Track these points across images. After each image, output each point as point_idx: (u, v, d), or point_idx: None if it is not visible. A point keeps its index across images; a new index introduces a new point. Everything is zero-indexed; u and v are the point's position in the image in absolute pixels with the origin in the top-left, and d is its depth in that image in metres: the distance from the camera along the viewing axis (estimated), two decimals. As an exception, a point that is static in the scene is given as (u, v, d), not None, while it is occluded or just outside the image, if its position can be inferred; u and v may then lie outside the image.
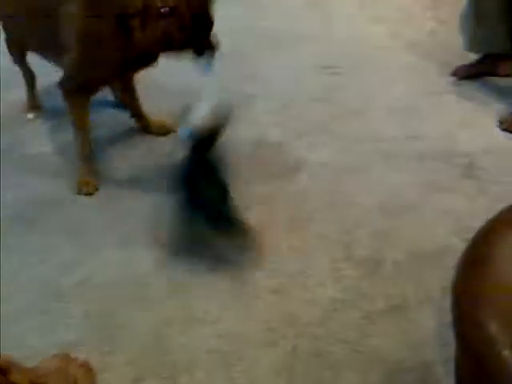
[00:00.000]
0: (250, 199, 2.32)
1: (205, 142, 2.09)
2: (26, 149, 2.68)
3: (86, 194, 2.40)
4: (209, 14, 2.19)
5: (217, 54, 2.29)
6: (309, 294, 1.96)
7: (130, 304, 1.92)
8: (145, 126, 2.72)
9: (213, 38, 2.25)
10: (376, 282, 1.99)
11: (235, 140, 2.46)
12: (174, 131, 2.64)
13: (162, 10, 2.11)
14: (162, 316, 1.89)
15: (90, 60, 2.23)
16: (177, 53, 2.24)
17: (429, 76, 3.11)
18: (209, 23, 2.21)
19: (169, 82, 2.95)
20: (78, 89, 2.32)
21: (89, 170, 2.45)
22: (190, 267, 2.04)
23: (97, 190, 2.41)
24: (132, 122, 2.75)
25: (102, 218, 2.28)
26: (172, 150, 2.53)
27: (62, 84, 2.33)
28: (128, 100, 2.69)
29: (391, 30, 3.52)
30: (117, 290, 1.97)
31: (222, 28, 3.37)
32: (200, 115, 2.09)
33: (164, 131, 2.70)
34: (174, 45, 2.18)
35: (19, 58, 2.84)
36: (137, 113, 2.71)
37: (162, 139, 2.68)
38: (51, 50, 2.39)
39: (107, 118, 2.84)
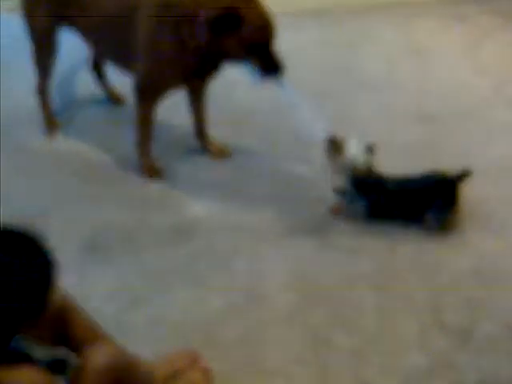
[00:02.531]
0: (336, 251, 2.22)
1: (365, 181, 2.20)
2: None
3: (158, 178, 2.56)
4: (245, 36, 2.17)
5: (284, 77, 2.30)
6: (391, 360, 1.82)
7: (198, 346, 1.82)
8: (204, 147, 2.74)
9: (278, 60, 2.27)
10: (467, 353, 1.84)
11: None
12: (230, 156, 2.72)
13: (199, 19, 2.17)
14: (231, 362, 1.79)
15: (157, 64, 2.37)
16: (233, 63, 2.31)
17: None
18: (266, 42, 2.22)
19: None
20: (148, 92, 2.48)
21: (152, 159, 2.60)
22: (262, 314, 1.94)
23: (163, 172, 2.59)
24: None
25: (178, 255, 2.22)
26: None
27: (136, 88, 2.48)
28: (194, 116, 2.72)
29: (494, 84, 3.36)
30: (186, 330, 1.90)
31: (319, 69, 3.41)
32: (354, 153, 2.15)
33: (222, 156, 2.72)
34: (209, 55, 2.27)
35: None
36: (199, 131, 2.74)
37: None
38: (123, 59, 2.54)
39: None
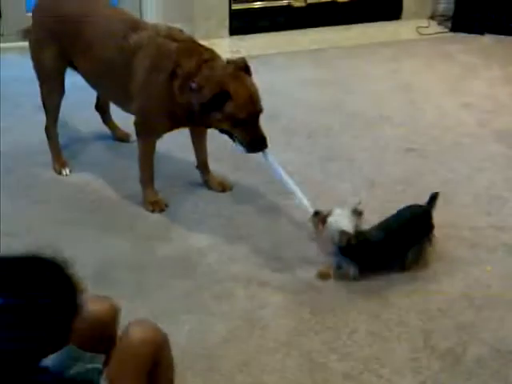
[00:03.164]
0: (330, 280, 2.31)
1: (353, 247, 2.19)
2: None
3: (160, 211, 2.64)
4: (231, 112, 2.29)
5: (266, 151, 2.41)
6: (383, 383, 1.89)
7: (198, 375, 1.89)
8: (206, 180, 2.83)
9: (255, 134, 2.36)
10: (457, 377, 1.91)
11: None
12: (231, 190, 2.80)
13: (191, 85, 2.31)
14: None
15: (149, 106, 2.51)
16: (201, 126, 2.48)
17: (516, 167, 3.05)
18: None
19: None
20: (144, 130, 2.60)
21: (154, 192, 2.68)
22: (261, 341, 2.01)
23: (167, 206, 2.66)
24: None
25: (179, 283, 2.29)
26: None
27: (135, 125, 2.62)
28: (196, 151, 2.81)
29: (480, 118, 3.50)
30: (186, 358, 1.93)
31: (311, 107, 3.53)
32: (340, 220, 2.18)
33: (222, 188, 2.80)
34: (195, 118, 2.39)
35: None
36: (201, 165, 2.83)
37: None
38: (121, 99, 2.66)
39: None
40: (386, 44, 4.49)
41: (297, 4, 4.61)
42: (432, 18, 4.90)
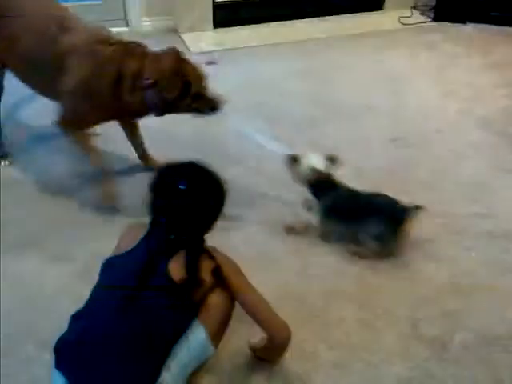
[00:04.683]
0: (318, 268, 2.33)
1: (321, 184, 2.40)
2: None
3: (111, 205, 2.59)
4: (191, 90, 2.41)
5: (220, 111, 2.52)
6: (373, 371, 1.92)
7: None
8: (150, 166, 2.86)
9: (211, 100, 2.49)
10: (444, 363, 1.95)
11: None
12: None
13: (146, 82, 2.37)
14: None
15: (84, 106, 2.48)
16: (167, 113, 2.50)
17: (500, 153, 3.08)
18: (195, 93, 2.43)
19: (180, 133, 3.12)
20: (72, 125, 2.57)
21: (110, 185, 2.64)
22: (249, 333, 2.01)
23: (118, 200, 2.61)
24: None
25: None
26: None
27: (58, 121, 2.56)
28: (132, 141, 2.85)
29: (462, 106, 3.53)
30: None
31: (296, 98, 3.54)
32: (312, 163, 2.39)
33: None
34: (158, 110, 2.46)
35: None
36: (140, 154, 2.88)
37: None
38: (52, 91, 2.58)
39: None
40: (368, 34, 4.50)
41: (281, -5, 4.61)
42: (414, 7, 4.91)
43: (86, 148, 2.63)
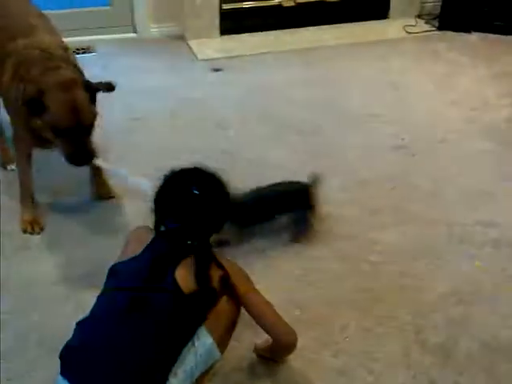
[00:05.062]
0: (320, 275, 2.34)
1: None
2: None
3: (31, 234, 2.52)
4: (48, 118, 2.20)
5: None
6: (376, 378, 1.93)
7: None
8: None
9: (87, 148, 2.27)
10: (448, 371, 1.96)
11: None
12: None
13: (19, 86, 2.23)
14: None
15: (15, 125, 2.45)
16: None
17: (504, 162, 3.09)
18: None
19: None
20: (18, 144, 2.51)
21: (33, 211, 2.58)
22: (252, 340, 2.02)
23: (42, 229, 2.54)
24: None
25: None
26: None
27: (12, 137, 2.54)
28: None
29: (467, 115, 3.54)
30: None
31: (301, 105, 3.56)
32: None
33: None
34: (47, 142, 2.30)
35: None
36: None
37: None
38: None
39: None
40: (374, 43, 4.52)
41: (287, 4, 4.62)
42: (419, 16, 4.93)
43: (20, 170, 2.57)
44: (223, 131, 3.29)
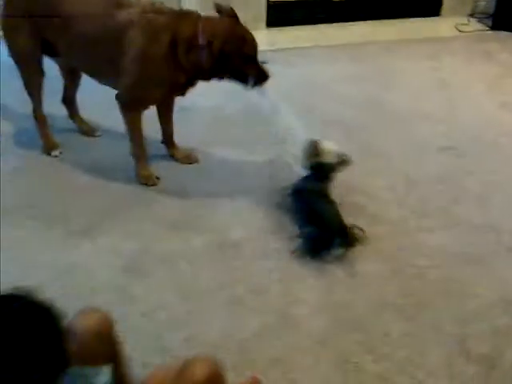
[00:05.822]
0: (365, 277, 2.29)
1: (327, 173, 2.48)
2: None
3: (152, 185, 2.74)
4: (244, 51, 2.48)
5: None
6: (418, 386, 1.87)
7: (231, 369, 1.84)
8: (172, 154, 2.96)
9: (260, 69, 2.55)
10: (492, 382, 1.88)
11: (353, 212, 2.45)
12: (197, 162, 2.94)
13: (200, 43, 2.43)
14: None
15: (146, 79, 2.53)
16: (214, 79, 2.57)
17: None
18: (245, 60, 2.50)
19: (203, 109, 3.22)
20: (132, 103, 2.63)
21: (147, 166, 2.78)
22: (295, 338, 2.00)
23: (158, 179, 2.77)
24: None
25: (214, 277, 2.28)
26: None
27: (119, 98, 2.62)
28: (163, 125, 2.92)
29: (518, 119, 3.43)
30: (219, 352, 1.89)
31: (348, 102, 3.49)
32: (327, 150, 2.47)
33: (188, 161, 2.95)
34: (208, 72, 2.51)
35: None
36: (167, 139, 2.95)
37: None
38: (106, 73, 2.65)
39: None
40: (424, 40, 4.42)
41: (336, -3, 4.57)
42: (472, 15, 4.82)
43: (136, 129, 2.69)
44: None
